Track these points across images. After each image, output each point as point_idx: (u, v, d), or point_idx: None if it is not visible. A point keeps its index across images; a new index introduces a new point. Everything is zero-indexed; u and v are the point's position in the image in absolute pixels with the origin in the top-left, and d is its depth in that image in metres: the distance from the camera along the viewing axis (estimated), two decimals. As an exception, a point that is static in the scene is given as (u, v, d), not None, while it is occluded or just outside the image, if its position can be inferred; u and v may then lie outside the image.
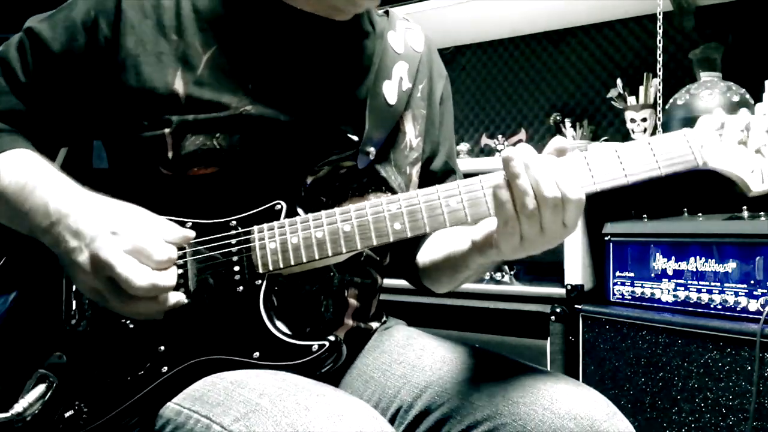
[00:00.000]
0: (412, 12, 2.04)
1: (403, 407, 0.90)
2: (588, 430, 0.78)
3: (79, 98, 0.93)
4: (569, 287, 1.73)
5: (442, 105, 1.12)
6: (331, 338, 0.82)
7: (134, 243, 0.79)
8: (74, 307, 0.88)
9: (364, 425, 0.70)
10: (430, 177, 1.09)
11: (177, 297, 0.82)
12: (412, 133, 1.05)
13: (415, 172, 1.06)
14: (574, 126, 2.17)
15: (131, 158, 0.93)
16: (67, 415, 0.83)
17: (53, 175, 0.87)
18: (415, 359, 0.96)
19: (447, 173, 1.12)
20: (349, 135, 0.93)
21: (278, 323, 0.84)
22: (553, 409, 0.79)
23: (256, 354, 0.82)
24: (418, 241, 1.08)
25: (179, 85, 0.89)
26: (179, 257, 0.85)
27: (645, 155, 0.80)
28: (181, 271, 0.85)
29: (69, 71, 0.91)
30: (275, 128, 0.91)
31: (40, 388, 0.84)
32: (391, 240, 0.82)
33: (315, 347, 0.81)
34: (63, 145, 1.02)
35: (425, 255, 1.05)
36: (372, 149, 0.94)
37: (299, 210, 0.87)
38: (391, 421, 0.91)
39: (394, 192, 0.99)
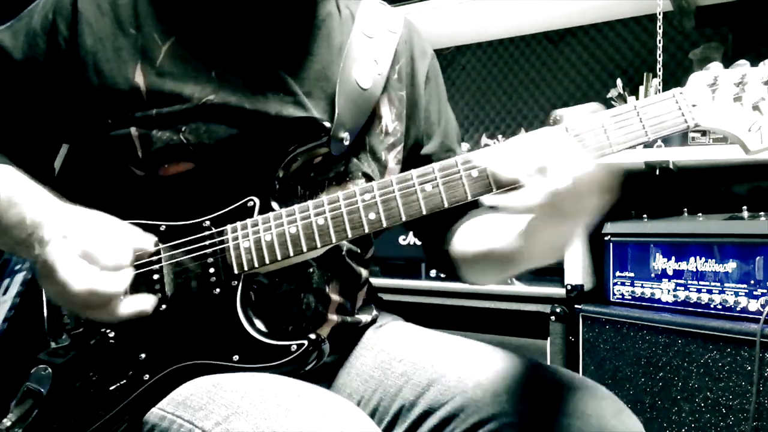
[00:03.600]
0: (412, 12, 2.04)
1: (405, 406, 0.89)
2: (596, 429, 0.77)
3: (46, 104, 0.92)
4: (569, 287, 1.73)
5: (428, 84, 1.07)
6: (312, 336, 0.81)
7: (82, 246, 0.77)
8: (55, 320, 0.88)
9: (345, 425, 0.70)
10: (425, 162, 0.97)
11: (137, 304, 0.80)
12: (388, 117, 1.01)
13: (392, 158, 1.03)
14: (574, 126, 2.17)
15: (104, 161, 0.92)
16: (54, 426, 0.83)
17: (30, 188, 0.86)
18: (415, 356, 0.94)
19: (447, 154, 1.07)
20: (320, 120, 0.90)
21: (257, 324, 0.83)
22: (559, 407, 0.78)
23: (236, 357, 0.81)
24: (446, 226, 1.04)
25: (140, 79, 0.88)
26: (154, 262, 0.84)
27: (631, 121, 0.77)
28: (157, 276, 0.84)
29: (34, 78, 0.91)
30: (241, 117, 0.89)
31: (28, 402, 0.83)
32: (366, 231, 0.80)
33: (294, 347, 0.80)
34: (36, 154, 0.99)
35: (463, 244, 1.00)
36: (346, 134, 0.91)
37: (274, 204, 0.86)
38: (393, 420, 0.90)
39: (371, 180, 0.96)
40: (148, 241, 0.84)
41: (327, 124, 0.90)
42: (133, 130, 0.87)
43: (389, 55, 1.01)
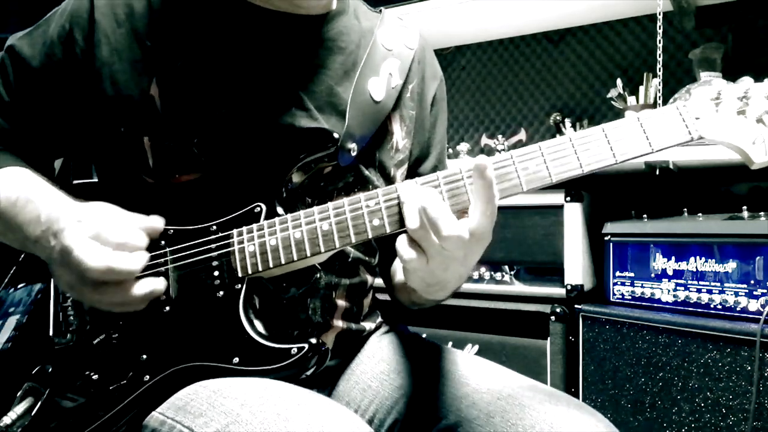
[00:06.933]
0: (412, 12, 2.04)
1: (401, 420, 0.89)
2: None
3: (61, 111, 0.94)
4: (569, 287, 1.73)
5: (434, 107, 1.09)
6: (312, 341, 0.81)
7: (95, 228, 0.78)
8: (61, 319, 0.88)
9: None
10: None
11: (150, 284, 0.80)
12: (399, 134, 1.02)
13: (399, 174, 1.04)
14: (574, 126, 2.17)
15: (115, 168, 0.94)
16: (52, 425, 0.83)
17: (44, 188, 0.88)
18: (414, 369, 0.94)
19: None
20: (329, 131, 0.91)
21: (259, 327, 0.83)
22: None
23: (236, 359, 0.81)
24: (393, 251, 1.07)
25: (154, 91, 0.89)
26: (160, 264, 0.85)
27: (635, 133, 0.76)
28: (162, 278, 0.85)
29: (50, 85, 0.92)
30: (253, 130, 0.90)
31: (29, 400, 0.84)
32: (370, 236, 0.80)
33: (294, 350, 0.80)
34: (50, 159, 1.02)
35: (396, 270, 1.03)
36: (353, 145, 0.92)
37: (280, 211, 0.86)
38: None
39: None
40: (156, 221, 0.84)
41: (336, 135, 0.90)
42: (145, 139, 0.89)
43: (405, 69, 1.02)
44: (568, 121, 2.18)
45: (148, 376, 0.82)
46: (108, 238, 0.78)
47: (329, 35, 0.98)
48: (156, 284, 0.81)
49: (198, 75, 0.90)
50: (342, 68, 0.97)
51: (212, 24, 0.93)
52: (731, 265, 1.46)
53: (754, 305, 1.42)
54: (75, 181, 1.14)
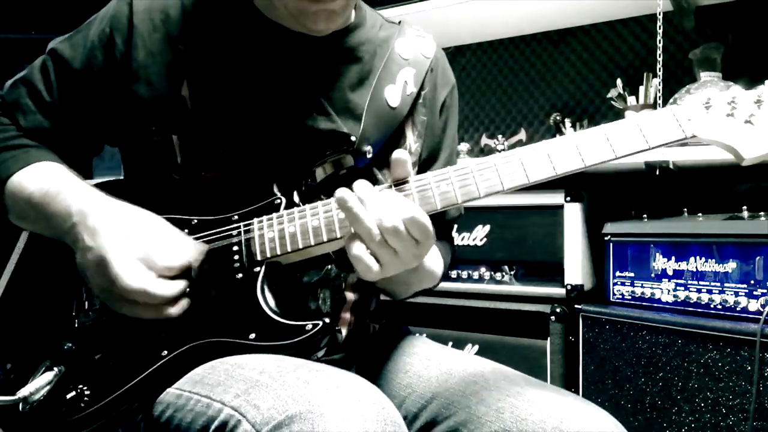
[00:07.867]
0: (413, 12, 2.05)
1: (408, 417, 0.91)
2: None
3: (98, 110, 0.99)
4: (569, 287, 1.73)
5: (444, 113, 1.13)
6: (326, 320, 0.84)
7: (144, 250, 0.83)
8: (84, 298, 0.91)
9: (361, 396, 0.72)
10: None
11: (176, 309, 0.85)
12: (411, 138, 1.07)
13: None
14: (574, 126, 2.17)
15: (144, 164, 0.99)
16: (68, 396, 0.85)
17: (76, 181, 0.92)
18: (421, 369, 0.97)
19: None
20: (346, 134, 0.96)
21: (275, 308, 0.86)
22: (562, 428, 0.79)
23: (252, 335, 0.83)
24: None
25: (186, 93, 0.95)
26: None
27: (633, 133, 0.82)
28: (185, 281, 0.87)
29: (89, 85, 0.98)
30: (277, 132, 0.95)
31: (48, 375, 0.86)
32: None
33: (309, 326, 0.82)
34: (85, 156, 1.07)
35: None
36: (369, 148, 0.97)
37: (299, 203, 0.90)
38: None
39: None
40: (200, 254, 0.88)
41: (352, 138, 0.95)
42: (174, 138, 0.95)
43: (420, 78, 1.06)
44: (568, 121, 2.18)
45: (165, 351, 0.85)
46: (157, 263, 0.83)
47: (348, 46, 1.02)
48: (179, 309, 0.85)
49: (225, 80, 0.96)
50: (357, 76, 1.02)
51: (239, 34, 0.98)
52: (731, 265, 1.46)
53: (754, 305, 1.42)
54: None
